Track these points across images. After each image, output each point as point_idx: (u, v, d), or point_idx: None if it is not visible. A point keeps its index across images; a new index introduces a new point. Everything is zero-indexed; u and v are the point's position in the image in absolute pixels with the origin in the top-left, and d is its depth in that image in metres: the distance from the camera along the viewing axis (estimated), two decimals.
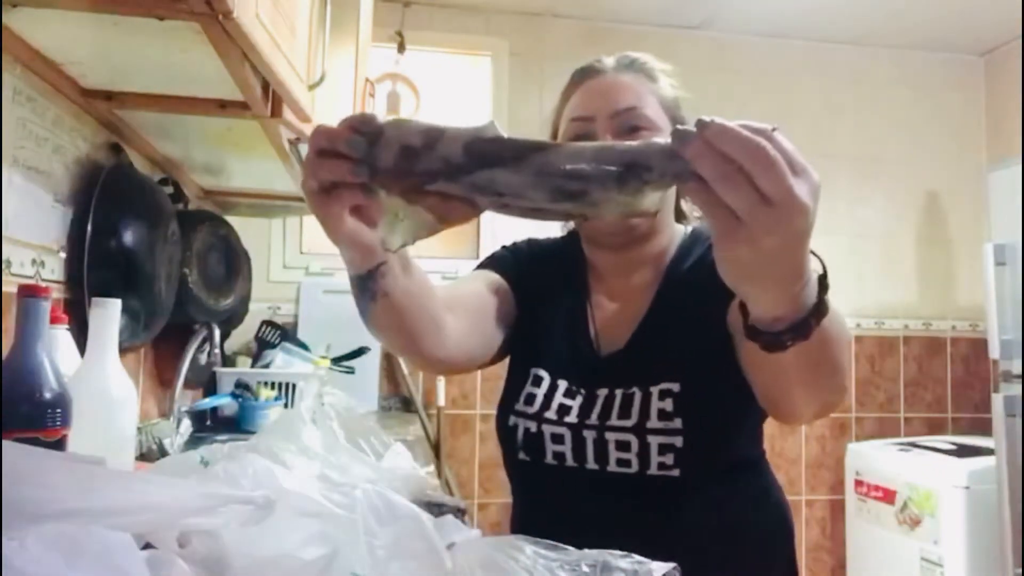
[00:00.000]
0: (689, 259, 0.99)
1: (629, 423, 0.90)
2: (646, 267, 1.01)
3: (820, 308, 0.61)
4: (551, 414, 0.95)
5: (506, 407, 1.01)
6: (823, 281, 0.61)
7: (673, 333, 0.94)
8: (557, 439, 0.94)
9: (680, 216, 1.07)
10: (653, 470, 0.89)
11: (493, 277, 1.04)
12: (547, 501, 0.98)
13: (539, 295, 1.06)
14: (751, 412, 0.91)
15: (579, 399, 0.96)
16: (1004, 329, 2.49)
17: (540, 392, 0.98)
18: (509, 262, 1.08)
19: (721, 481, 0.92)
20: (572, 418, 0.94)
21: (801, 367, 0.67)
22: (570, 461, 0.93)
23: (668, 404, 0.89)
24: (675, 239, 1.02)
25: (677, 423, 0.88)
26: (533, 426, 0.96)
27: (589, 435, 0.92)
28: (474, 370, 1.03)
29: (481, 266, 1.09)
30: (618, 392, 0.93)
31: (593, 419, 0.93)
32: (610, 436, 0.91)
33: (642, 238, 0.99)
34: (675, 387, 0.90)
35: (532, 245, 1.13)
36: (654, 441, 0.88)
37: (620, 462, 0.90)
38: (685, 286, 0.96)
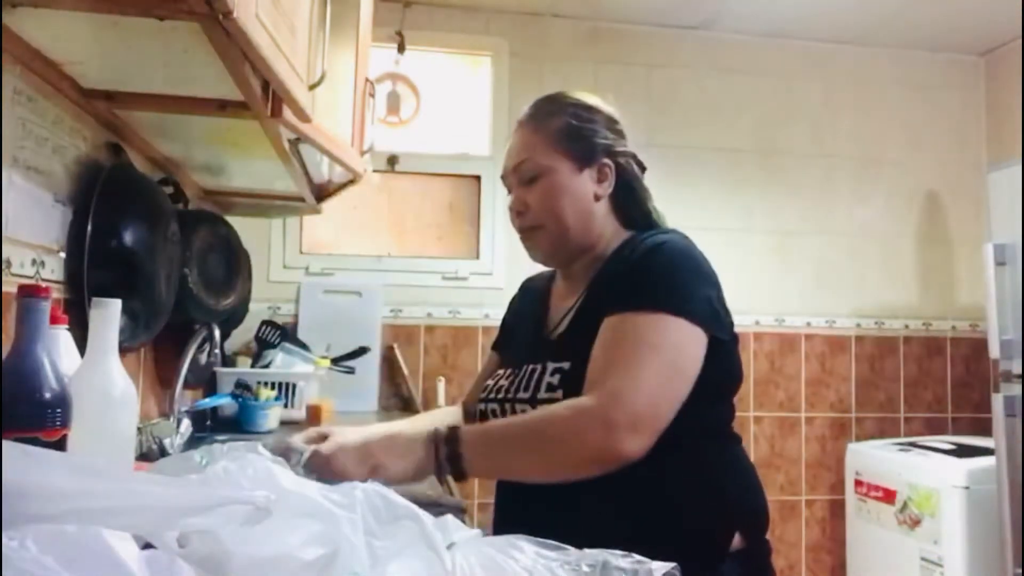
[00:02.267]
0: (615, 262, 1.12)
1: (527, 395, 1.08)
2: (585, 271, 1.17)
3: (452, 459, 0.95)
4: (492, 394, 1.15)
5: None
6: (456, 461, 0.95)
7: (580, 322, 1.10)
8: (494, 413, 1.13)
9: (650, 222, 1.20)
10: None
11: (493, 357, 1.34)
12: None
13: (516, 322, 1.30)
14: None
15: (511, 376, 1.14)
16: (1004, 329, 2.49)
17: (492, 381, 1.19)
18: (502, 330, 1.35)
19: None
20: (501, 394, 1.14)
21: (506, 473, 1.04)
22: None
23: (556, 379, 1.05)
24: (611, 245, 1.15)
25: (559, 395, 1.03)
26: (483, 406, 1.16)
27: (508, 407, 1.11)
28: None
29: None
30: (530, 367, 1.11)
31: (511, 393, 1.11)
32: (518, 407, 1.08)
33: (574, 256, 1.17)
34: (565, 365, 1.05)
35: (526, 283, 1.37)
36: None
37: None
38: (602, 285, 1.11)
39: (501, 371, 1.20)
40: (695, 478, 1.03)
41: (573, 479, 0.95)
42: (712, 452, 1.08)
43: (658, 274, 1.03)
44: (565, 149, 1.13)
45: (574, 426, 0.92)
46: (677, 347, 0.98)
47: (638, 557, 0.66)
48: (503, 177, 1.21)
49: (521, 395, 1.09)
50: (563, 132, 1.14)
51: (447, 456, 0.95)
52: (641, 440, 0.91)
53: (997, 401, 2.46)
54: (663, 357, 0.96)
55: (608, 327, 1.01)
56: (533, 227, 1.15)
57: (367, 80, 1.88)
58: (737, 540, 1.03)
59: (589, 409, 0.92)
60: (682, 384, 0.97)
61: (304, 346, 2.63)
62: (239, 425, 2.20)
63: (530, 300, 1.29)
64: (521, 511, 1.05)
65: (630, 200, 1.18)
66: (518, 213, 1.16)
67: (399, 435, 1.00)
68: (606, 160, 1.15)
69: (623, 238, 1.16)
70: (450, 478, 1.00)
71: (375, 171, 2.81)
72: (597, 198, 1.14)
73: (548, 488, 1.02)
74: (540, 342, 1.16)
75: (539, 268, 1.31)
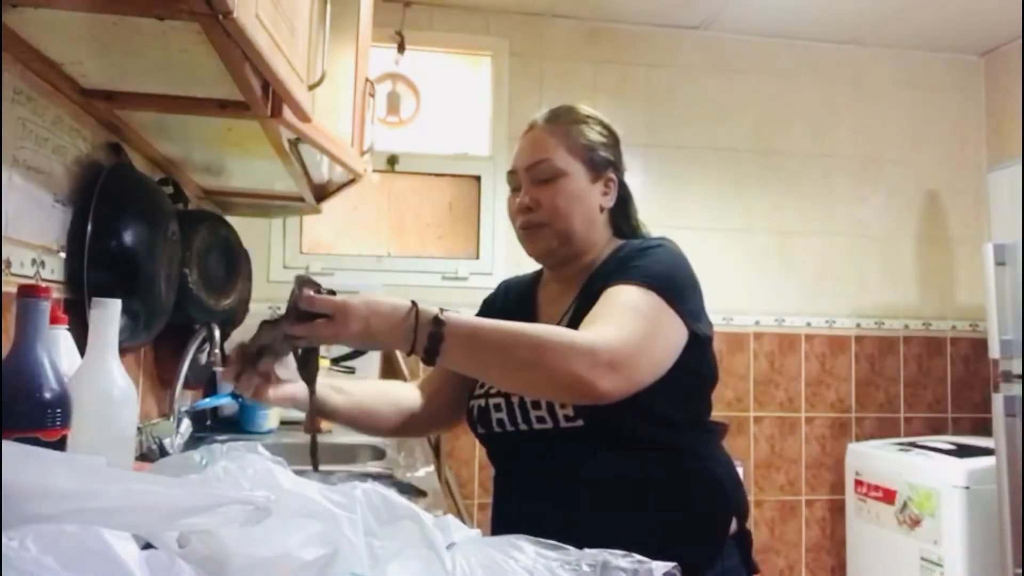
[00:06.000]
0: (611, 262, 1.18)
1: None
2: (577, 276, 1.22)
3: (432, 339, 0.94)
4: (493, 390, 1.17)
5: (470, 398, 1.24)
6: (435, 341, 0.95)
7: (577, 323, 1.11)
8: (497, 408, 1.15)
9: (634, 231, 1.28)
10: (562, 423, 1.08)
11: None
12: (501, 465, 1.21)
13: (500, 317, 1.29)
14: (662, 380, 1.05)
15: None
16: (1004, 329, 2.49)
17: None
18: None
19: (632, 438, 1.08)
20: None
21: (478, 371, 1.04)
22: (508, 426, 1.14)
23: None
24: (604, 253, 1.22)
25: None
26: (482, 402, 1.18)
27: (515, 400, 1.12)
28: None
29: None
30: None
31: None
32: (527, 398, 1.11)
33: (571, 258, 1.22)
34: None
35: (507, 283, 1.39)
36: None
37: (538, 419, 1.10)
38: (598, 282, 1.15)
39: None
40: (694, 468, 1.12)
41: (538, 397, 1.06)
42: (705, 443, 1.16)
43: (654, 263, 1.11)
44: (583, 159, 1.20)
45: (563, 353, 0.95)
46: (661, 323, 1.05)
47: (638, 557, 0.67)
48: (511, 172, 1.24)
49: None
50: (583, 143, 1.21)
51: (429, 335, 0.94)
52: (615, 381, 0.95)
53: (997, 401, 2.46)
54: (647, 321, 1.03)
55: (603, 296, 1.08)
56: (539, 224, 1.19)
57: (367, 80, 1.88)
58: (732, 526, 1.13)
59: (578, 341, 0.97)
60: (660, 352, 1.04)
61: None
62: (239, 425, 2.20)
63: (513, 304, 1.31)
64: (526, 511, 1.08)
65: (623, 214, 1.28)
66: (527, 209, 1.20)
67: (384, 303, 1.00)
68: (611, 175, 1.23)
69: (615, 245, 1.23)
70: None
71: (375, 171, 2.81)
72: (602, 209, 1.22)
73: (551, 486, 1.09)
74: None
75: (537, 267, 1.32)
